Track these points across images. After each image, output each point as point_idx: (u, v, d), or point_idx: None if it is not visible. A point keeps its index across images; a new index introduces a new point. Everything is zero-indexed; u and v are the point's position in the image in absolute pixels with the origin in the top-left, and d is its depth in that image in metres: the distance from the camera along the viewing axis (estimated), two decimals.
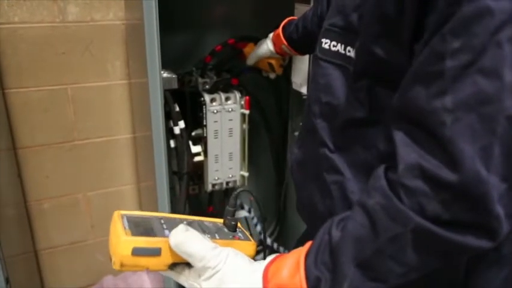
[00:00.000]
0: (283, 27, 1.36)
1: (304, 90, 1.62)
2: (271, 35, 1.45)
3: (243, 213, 1.90)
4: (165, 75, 1.41)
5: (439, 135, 0.50)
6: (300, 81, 1.65)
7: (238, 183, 1.68)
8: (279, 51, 1.45)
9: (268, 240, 1.96)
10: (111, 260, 0.62)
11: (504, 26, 0.46)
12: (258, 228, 1.87)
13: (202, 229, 0.68)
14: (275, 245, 1.95)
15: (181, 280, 0.65)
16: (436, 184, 0.50)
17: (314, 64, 0.83)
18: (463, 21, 0.48)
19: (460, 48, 0.49)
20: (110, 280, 1.86)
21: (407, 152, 0.53)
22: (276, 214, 2.07)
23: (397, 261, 0.54)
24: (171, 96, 1.46)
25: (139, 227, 0.63)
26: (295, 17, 1.36)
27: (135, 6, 1.31)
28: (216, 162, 1.61)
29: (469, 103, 0.48)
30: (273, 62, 1.54)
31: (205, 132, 1.56)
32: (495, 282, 0.69)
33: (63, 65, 1.59)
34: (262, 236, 1.93)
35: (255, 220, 1.90)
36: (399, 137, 0.55)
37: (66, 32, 1.56)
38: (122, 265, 0.60)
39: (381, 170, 0.58)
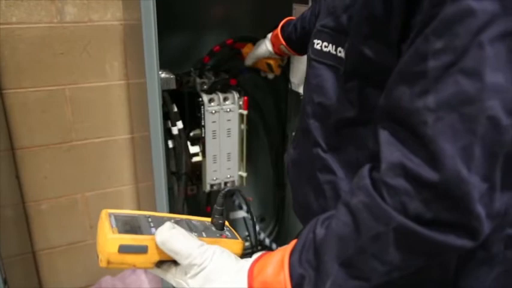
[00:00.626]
0: (282, 28, 1.36)
1: (302, 90, 1.62)
2: (269, 35, 1.45)
3: (241, 214, 1.90)
4: (163, 75, 1.42)
5: (421, 134, 0.50)
6: (298, 81, 1.65)
7: (236, 184, 1.68)
8: (277, 52, 1.45)
9: (267, 241, 1.96)
10: (98, 257, 0.62)
11: (486, 26, 0.46)
12: (257, 228, 1.87)
13: (190, 227, 0.68)
14: (274, 245, 1.95)
15: (168, 278, 0.65)
16: (417, 183, 0.50)
17: (308, 65, 0.84)
18: (445, 22, 0.48)
19: (443, 49, 0.49)
20: (108, 280, 1.87)
21: (391, 150, 0.53)
22: (275, 214, 2.07)
23: (380, 260, 0.54)
24: (169, 96, 1.46)
25: (127, 225, 0.64)
26: (293, 17, 1.36)
27: (133, 6, 1.31)
28: (215, 162, 1.61)
29: (451, 103, 0.48)
30: (271, 62, 1.54)
31: (203, 133, 1.56)
32: (486, 282, 0.69)
33: (61, 66, 1.60)
34: (260, 236, 1.93)
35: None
36: (384, 135, 0.55)
37: (64, 32, 1.57)
38: (108, 262, 0.61)
39: (365, 169, 0.58)
